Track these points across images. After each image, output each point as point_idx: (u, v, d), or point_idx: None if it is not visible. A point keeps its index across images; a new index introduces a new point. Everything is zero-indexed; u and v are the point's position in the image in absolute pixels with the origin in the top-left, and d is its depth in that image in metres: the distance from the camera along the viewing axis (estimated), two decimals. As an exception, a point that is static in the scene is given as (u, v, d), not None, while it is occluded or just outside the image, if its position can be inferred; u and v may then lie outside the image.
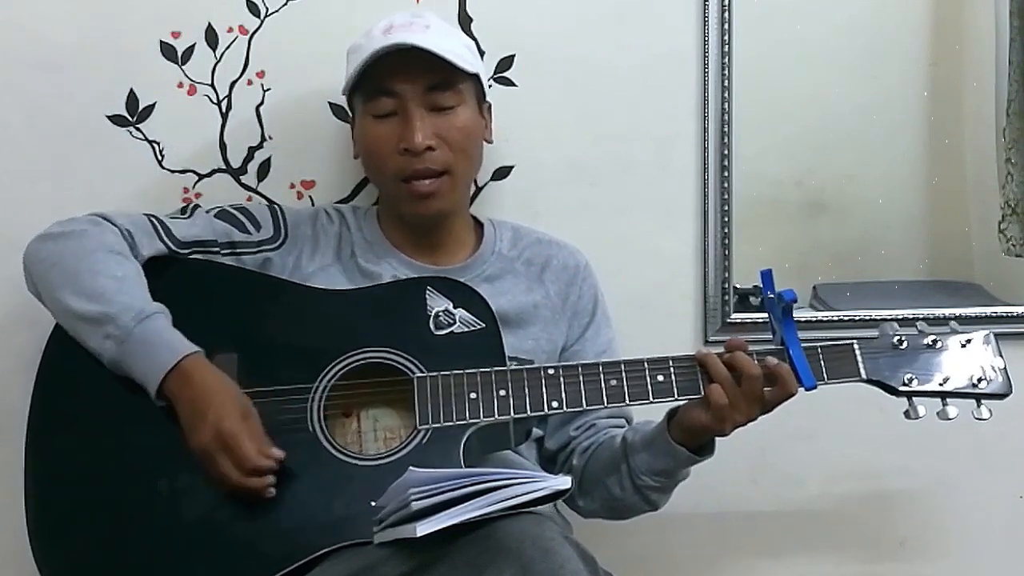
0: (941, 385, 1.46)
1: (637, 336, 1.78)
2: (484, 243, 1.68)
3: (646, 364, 1.45)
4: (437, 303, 1.49)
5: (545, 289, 1.66)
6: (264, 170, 1.81)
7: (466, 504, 1.19)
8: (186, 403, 1.40)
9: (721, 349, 1.46)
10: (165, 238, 1.54)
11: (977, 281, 2.03)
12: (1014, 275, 2.00)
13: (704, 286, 1.89)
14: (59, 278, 1.46)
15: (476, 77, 1.61)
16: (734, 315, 1.89)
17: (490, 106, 1.68)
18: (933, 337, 1.48)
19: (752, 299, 1.89)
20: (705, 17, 1.85)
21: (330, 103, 1.79)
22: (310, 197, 1.82)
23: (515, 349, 1.55)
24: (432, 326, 1.48)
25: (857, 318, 1.91)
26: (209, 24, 1.78)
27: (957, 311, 1.90)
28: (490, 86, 1.80)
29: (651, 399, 1.44)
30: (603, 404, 1.44)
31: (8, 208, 1.75)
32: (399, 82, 1.54)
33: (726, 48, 1.85)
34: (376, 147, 1.58)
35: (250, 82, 1.80)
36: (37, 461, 1.46)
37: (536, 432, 1.65)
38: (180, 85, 1.79)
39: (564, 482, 1.22)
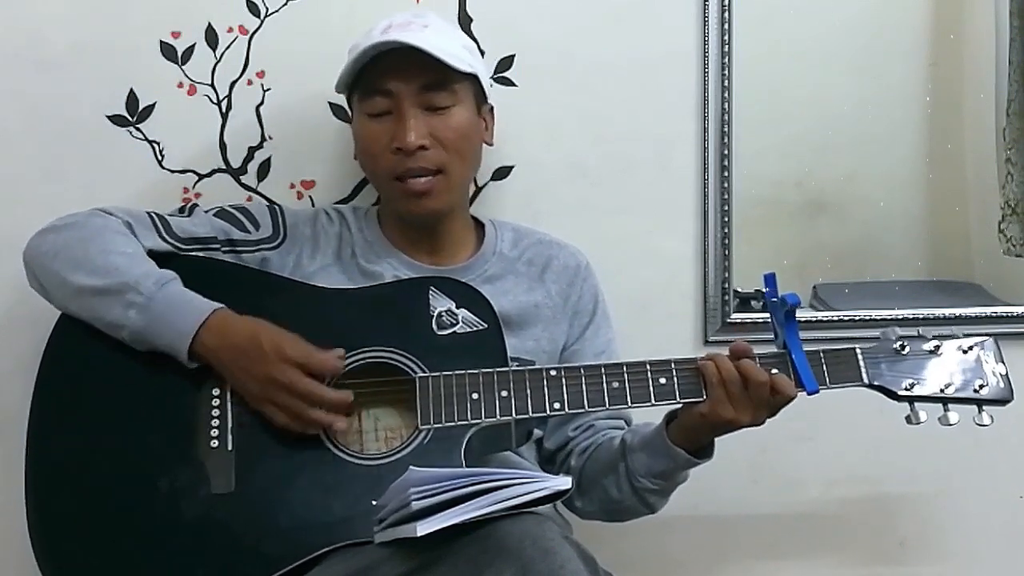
0: (942, 391, 1.46)
1: (637, 336, 1.78)
2: (485, 243, 1.68)
3: (648, 366, 1.45)
4: (440, 303, 1.49)
5: (546, 289, 1.66)
6: (264, 170, 1.81)
7: (466, 504, 1.19)
8: (230, 351, 1.40)
9: (720, 350, 1.46)
10: (165, 234, 1.54)
11: (977, 281, 2.03)
12: (1014, 275, 2.00)
13: (704, 286, 1.89)
14: (67, 263, 1.46)
15: (475, 78, 1.60)
16: (734, 315, 1.89)
17: (492, 108, 1.67)
18: (935, 343, 1.48)
19: (754, 303, 1.89)
20: (705, 17, 1.85)
21: (330, 103, 1.79)
22: (310, 197, 1.82)
23: (516, 350, 1.55)
24: (434, 326, 1.48)
25: (857, 318, 1.91)
26: (209, 24, 1.78)
27: (957, 311, 1.91)
28: (491, 86, 1.80)
29: (653, 401, 1.44)
30: (605, 406, 1.44)
31: (8, 208, 1.75)
32: (393, 81, 1.54)
33: (726, 48, 1.85)
34: (370, 145, 1.58)
35: (250, 82, 1.80)
36: (37, 461, 1.45)
37: (537, 433, 1.65)
38: (180, 85, 1.79)
39: (564, 482, 1.22)
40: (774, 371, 1.43)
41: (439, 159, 1.56)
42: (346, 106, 1.71)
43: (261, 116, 1.80)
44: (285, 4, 1.78)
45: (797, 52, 1.96)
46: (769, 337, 1.50)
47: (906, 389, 1.46)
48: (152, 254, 1.51)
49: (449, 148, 1.56)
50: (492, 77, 1.81)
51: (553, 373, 1.45)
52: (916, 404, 1.46)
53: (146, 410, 1.44)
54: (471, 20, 1.81)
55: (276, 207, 1.67)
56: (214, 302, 1.43)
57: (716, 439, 1.50)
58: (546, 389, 1.43)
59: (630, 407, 1.45)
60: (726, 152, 1.86)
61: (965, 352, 1.48)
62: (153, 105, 1.78)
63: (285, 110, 1.80)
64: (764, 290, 1.47)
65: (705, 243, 1.88)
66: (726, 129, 1.86)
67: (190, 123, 1.79)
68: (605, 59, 1.85)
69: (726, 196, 1.87)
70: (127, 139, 1.78)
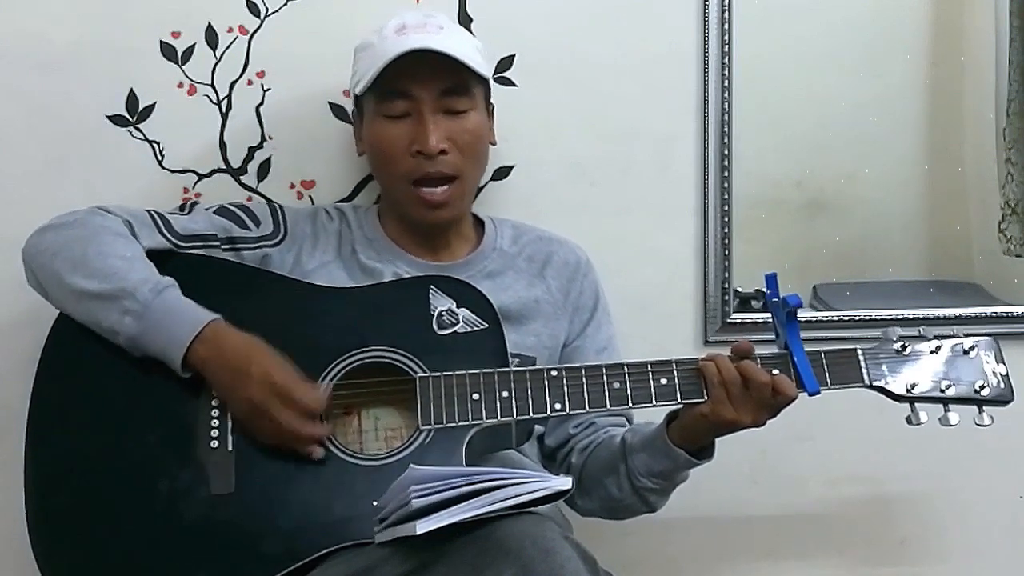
0: (943, 392, 1.46)
1: (637, 336, 1.78)
2: (485, 240, 1.68)
3: (649, 366, 1.45)
4: (440, 303, 1.49)
5: (546, 285, 1.66)
6: (264, 170, 1.81)
7: (467, 503, 1.18)
8: (221, 366, 1.40)
9: (720, 350, 1.46)
10: (165, 231, 1.54)
11: (977, 281, 2.03)
12: (1014, 275, 2.00)
13: (704, 286, 1.89)
14: (66, 264, 1.45)
15: (485, 79, 1.60)
16: (734, 315, 1.89)
17: (493, 107, 1.67)
18: (935, 343, 1.49)
19: (754, 303, 1.89)
20: (705, 17, 1.85)
21: (330, 103, 1.79)
22: (310, 197, 1.82)
23: (517, 346, 1.55)
24: (435, 326, 1.48)
25: (857, 318, 1.91)
26: (209, 24, 1.78)
27: (957, 311, 1.91)
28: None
29: (654, 402, 1.44)
30: (606, 406, 1.44)
31: (8, 208, 1.75)
32: (415, 85, 1.54)
33: (726, 48, 1.85)
34: (388, 148, 1.57)
35: (250, 82, 1.79)
36: (37, 460, 1.45)
37: (538, 429, 1.65)
38: (180, 85, 1.78)
39: (565, 482, 1.22)
40: (775, 372, 1.43)
41: (456, 163, 1.56)
42: (345, 106, 1.71)
43: (261, 116, 1.80)
44: (285, 4, 1.78)
45: (797, 52, 1.96)
46: (769, 337, 1.50)
47: (907, 390, 1.46)
48: (152, 252, 1.50)
49: (466, 152, 1.57)
50: (492, 77, 1.81)
51: (554, 374, 1.45)
52: (917, 404, 1.46)
53: (145, 410, 1.44)
54: (471, 20, 1.81)
55: (276, 205, 1.67)
56: (211, 312, 1.43)
57: (716, 439, 1.50)
58: (547, 389, 1.43)
59: (631, 408, 1.45)
60: (726, 152, 1.86)
61: (966, 352, 1.48)
62: (153, 105, 1.78)
63: (285, 110, 1.80)
64: (765, 291, 1.47)
65: (705, 243, 1.88)
66: (726, 129, 1.86)
67: (190, 123, 1.79)
68: (605, 59, 1.85)
69: (726, 196, 1.87)
70: (127, 139, 1.78)
